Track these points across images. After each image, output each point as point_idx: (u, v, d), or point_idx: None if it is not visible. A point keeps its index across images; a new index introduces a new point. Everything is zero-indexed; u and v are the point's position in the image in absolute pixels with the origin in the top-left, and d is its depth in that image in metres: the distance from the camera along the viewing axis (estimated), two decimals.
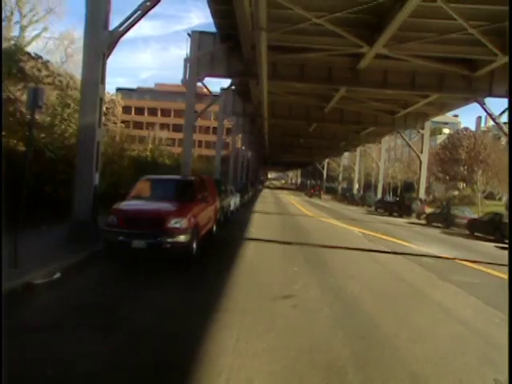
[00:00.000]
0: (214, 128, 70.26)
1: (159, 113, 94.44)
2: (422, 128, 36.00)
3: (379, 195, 49.82)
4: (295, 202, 47.24)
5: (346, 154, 73.04)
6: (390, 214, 34.97)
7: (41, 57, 11.30)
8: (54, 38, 39.12)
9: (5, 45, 12.45)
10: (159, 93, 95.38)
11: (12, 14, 32.39)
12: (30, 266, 7.22)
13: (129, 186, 12.68)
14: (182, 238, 8.57)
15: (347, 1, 14.50)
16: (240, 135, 47.19)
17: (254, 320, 5.56)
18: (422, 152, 35.92)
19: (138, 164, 21.55)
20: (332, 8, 14.80)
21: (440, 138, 74.73)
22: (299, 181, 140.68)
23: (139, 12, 10.18)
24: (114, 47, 10.38)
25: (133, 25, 10.24)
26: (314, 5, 14.73)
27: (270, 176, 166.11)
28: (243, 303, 6.32)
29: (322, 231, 18.43)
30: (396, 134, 44.46)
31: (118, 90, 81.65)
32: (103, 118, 11.32)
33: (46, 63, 11.19)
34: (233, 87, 27.38)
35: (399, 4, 13.44)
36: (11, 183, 11.03)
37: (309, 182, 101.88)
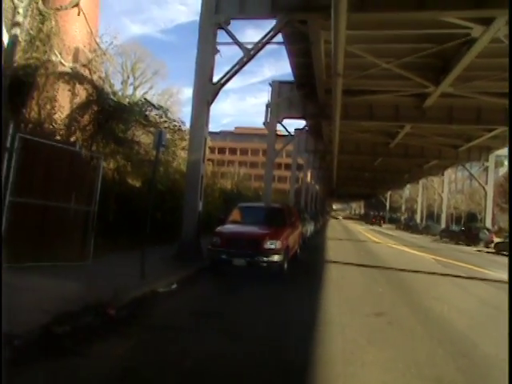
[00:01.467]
0: (285, 164, 70.89)
1: (238, 152, 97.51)
2: (486, 160, 33.81)
3: (442, 225, 46.96)
4: (361, 230, 45.89)
5: (408, 185, 70.20)
6: (457, 243, 32.74)
7: (162, 107, 12.31)
8: (157, 93, 42.44)
9: (124, 100, 13.73)
10: (238, 135, 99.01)
11: (128, 77, 36.09)
12: (153, 278, 7.68)
13: (221, 212, 13.16)
14: (276, 257, 8.71)
15: (413, 47, 14.35)
16: (310, 170, 47.21)
17: (355, 333, 5.40)
18: (486, 183, 33.68)
19: (225, 195, 22.31)
20: (399, 54, 14.70)
21: (502, 170, 69.46)
22: (362, 211, 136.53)
23: (236, 67, 10.79)
24: (215, 96, 11.03)
25: (231, 77, 10.86)
26: (383, 52, 14.71)
27: (334, 207, 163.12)
28: (339, 318, 6.17)
29: (394, 256, 17.65)
30: (457, 167, 42.09)
31: None
32: None
33: (165, 111, 12.12)
34: (306, 127, 27.69)
35: (466, 47, 13.05)
36: (132, 210, 11.99)
37: (372, 212, 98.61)
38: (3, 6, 11.58)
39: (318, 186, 62.05)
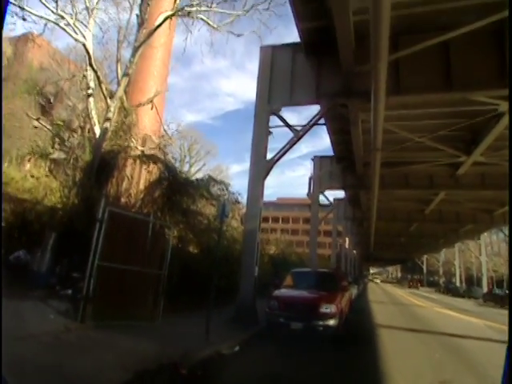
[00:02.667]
0: (324, 231, 69.80)
1: (280, 220, 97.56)
2: None
3: (483, 288, 43.19)
4: (402, 293, 42.99)
5: (444, 249, 66.36)
6: (502, 306, 29.68)
7: (223, 182, 12.84)
8: (209, 170, 44.55)
9: (183, 175, 14.41)
10: (280, 205, 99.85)
11: (185, 156, 38.57)
12: (216, 339, 7.48)
13: (271, 276, 12.90)
14: (331, 321, 8.29)
15: (444, 122, 14.42)
16: (348, 236, 46.08)
17: None
18: None
19: (273, 260, 22.02)
20: (431, 129, 14.78)
21: None
22: (399, 275, 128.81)
23: (287, 146, 11.24)
24: (269, 172, 11.40)
25: (282, 155, 11.27)
26: (416, 128, 14.86)
27: (371, 271, 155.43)
28: None
29: (441, 320, 16.20)
30: (491, 230, 39.56)
31: None
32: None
33: (227, 186, 12.59)
34: (345, 197, 27.59)
35: (494, 121, 12.97)
36: (191, 275, 12.08)
37: (409, 276, 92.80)
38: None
39: (355, 250, 60.06)
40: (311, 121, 11.21)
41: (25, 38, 26.70)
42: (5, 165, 23.85)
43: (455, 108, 12.96)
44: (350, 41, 9.62)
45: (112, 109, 11.95)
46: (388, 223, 35.53)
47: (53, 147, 28.81)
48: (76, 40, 11.61)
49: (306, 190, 21.79)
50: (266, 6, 12.20)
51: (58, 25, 10.96)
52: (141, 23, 12.23)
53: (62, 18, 10.90)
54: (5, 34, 25.95)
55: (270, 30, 12.48)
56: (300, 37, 11.05)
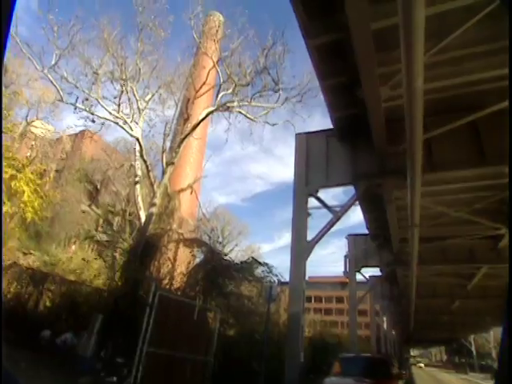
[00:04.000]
0: (358, 310, 65.42)
1: (313, 299, 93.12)
2: None
3: None
4: (455, 380, 38.16)
5: (494, 328, 60.08)
6: None
7: (267, 264, 12.71)
8: (242, 250, 44.49)
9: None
10: (312, 283, 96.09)
11: (218, 237, 39.20)
12: None
13: (311, 361, 11.90)
14: None
15: (480, 195, 14.13)
16: (386, 316, 42.98)
17: None
18: None
19: (312, 343, 20.59)
20: (469, 202, 14.46)
21: None
22: (444, 358, 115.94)
23: (327, 227, 11.19)
24: (310, 253, 11.21)
25: (322, 236, 11.18)
26: (452, 202, 14.58)
27: (412, 353, 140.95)
28: None
29: None
30: None
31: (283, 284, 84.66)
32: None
33: (270, 268, 12.41)
34: (382, 274, 26.35)
35: None
36: (232, 358, 11.38)
37: (457, 358, 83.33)
38: None
39: (394, 331, 55.49)
40: (349, 201, 11.30)
41: (81, 135, 29.55)
42: (53, 246, 24.71)
43: (490, 181, 12.76)
44: (382, 125, 10.04)
45: (158, 195, 12.58)
46: (428, 300, 33.10)
47: (96, 230, 29.97)
48: (132, 136, 12.78)
49: (337, 268, 21.28)
50: (298, 98, 13.18)
51: (117, 124, 12.22)
52: (186, 118, 13.38)
53: (122, 118, 12.19)
54: (67, 131, 28.94)
55: (304, 119, 13.44)
56: (333, 123, 11.66)
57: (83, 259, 17.37)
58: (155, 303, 7.51)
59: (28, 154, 27.00)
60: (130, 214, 27.80)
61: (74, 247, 27.56)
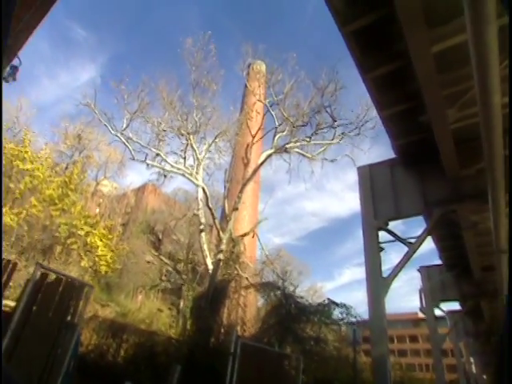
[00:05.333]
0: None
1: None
2: None
3: None
4: None
5: None
6: None
7: (345, 305, 12.09)
8: (303, 290, 43.10)
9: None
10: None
11: (289, 278, 38.55)
12: None
13: None
14: None
15: None
16: (472, 357, 38.36)
17: None
18: None
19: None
20: None
21: None
22: None
23: (403, 261, 10.51)
24: (388, 290, 10.50)
25: (399, 271, 10.49)
26: None
27: None
28: None
29: None
30: None
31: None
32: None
33: (349, 309, 11.80)
34: (463, 308, 23.93)
35: None
36: None
37: None
38: None
39: (486, 375, 49.22)
40: (423, 232, 10.61)
41: (143, 189, 31.46)
42: (122, 297, 25.63)
43: None
44: (452, 148, 9.55)
45: (224, 241, 12.74)
46: None
47: (160, 279, 30.80)
48: (197, 185, 13.35)
49: (407, 303, 19.54)
50: (357, 131, 13.11)
51: (184, 175, 12.91)
52: (246, 163, 13.75)
53: (187, 170, 12.87)
54: (131, 186, 31.05)
55: (364, 152, 13.33)
56: (395, 152, 11.32)
57: (159, 309, 17.80)
58: (237, 352, 7.33)
59: (97, 211, 29.06)
60: (191, 262, 28.40)
61: (140, 297, 28.42)
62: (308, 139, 13.40)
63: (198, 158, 14.93)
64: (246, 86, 26.56)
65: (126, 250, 22.53)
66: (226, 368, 7.40)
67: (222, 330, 13.38)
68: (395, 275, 10.54)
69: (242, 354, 7.53)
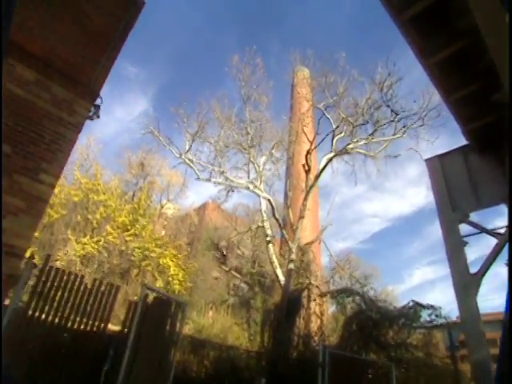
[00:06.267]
0: None
1: None
2: None
3: None
4: None
5: None
6: None
7: (432, 305, 11.27)
8: (374, 296, 41.21)
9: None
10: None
11: (367, 282, 37.22)
12: None
13: None
14: None
15: None
16: None
17: None
18: None
19: None
20: None
21: None
22: None
23: (492, 254, 9.63)
24: (478, 287, 9.63)
25: (490, 265, 9.62)
26: None
27: None
28: None
29: None
30: None
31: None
32: None
33: (438, 309, 10.92)
34: None
35: None
36: None
37: None
38: None
39: None
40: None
41: (203, 207, 32.49)
42: (194, 314, 26.35)
43: None
44: None
45: (294, 250, 12.61)
46: None
47: (228, 294, 31.26)
48: (262, 197, 13.48)
49: (483, 303, 17.57)
50: (420, 122, 12.41)
51: (248, 189, 13.14)
52: (307, 170, 13.61)
53: (251, 183, 13.11)
54: (193, 206, 32.27)
55: (431, 142, 12.44)
56: (466, 137, 10.56)
57: (235, 323, 18.06)
58: (326, 362, 7.11)
59: (162, 233, 30.45)
60: (257, 274, 28.52)
61: (211, 313, 29.02)
62: (369, 137, 12.95)
63: (258, 171, 15.06)
64: (291, 93, 26.57)
65: (195, 267, 23.27)
66: (315, 379, 7.20)
67: (300, 341, 13.15)
68: (485, 271, 9.68)
69: (330, 364, 7.29)
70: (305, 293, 14.11)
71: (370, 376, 7.78)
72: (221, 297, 29.55)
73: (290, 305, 13.12)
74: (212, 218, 31.94)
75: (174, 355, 5.23)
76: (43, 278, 4.98)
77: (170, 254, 19.96)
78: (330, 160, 13.15)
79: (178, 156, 13.99)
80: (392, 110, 12.12)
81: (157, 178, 26.17)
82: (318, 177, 13.26)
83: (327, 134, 13.62)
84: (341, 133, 13.54)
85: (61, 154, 4.37)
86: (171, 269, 19.46)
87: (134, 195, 23.59)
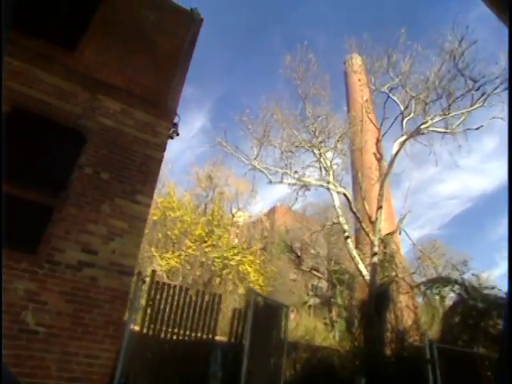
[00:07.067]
0: None
1: None
2: None
3: None
4: None
5: None
6: None
7: None
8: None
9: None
10: None
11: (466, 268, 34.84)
12: None
13: None
14: None
15: None
16: None
17: None
18: None
19: None
20: None
21: None
22: None
23: None
24: None
25: None
26: None
27: None
28: None
29: None
30: None
31: None
32: None
33: None
34: None
35: None
36: None
37: None
38: None
39: None
40: None
41: (273, 211, 32.71)
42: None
43: None
44: None
45: (376, 242, 12.05)
46: None
47: (308, 295, 30.91)
48: (337, 193, 13.20)
49: None
50: (503, 86, 11.15)
51: (322, 186, 12.99)
52: (379, 158, 13.00)
53: (325, 180, 12.93)
54: (263, 211, 32.70)
55: None
56: None
57: (324, 323, 17.85)
58: (435, 358, 6.61)
59: (235, 241, 31.17)
60: (335, 272, 27.87)
61: (293, 315, 28.85)
62: (445, 113, 11.94)
63: (328, 166, 14.73)
64: (346, 82, 25.71)
65: (273, 271, 23.43)
66: (420, 378, 6.73)
67: (394, 337, 12.48)
68: None
69: (440, 360, 6.77)
70: (392, 286, 13.40)
71: (490, 373, 7.04)
72: (301, 298, 29.35)
73: (378, 300, 12.54)
74: (283, 221, 32.03)
75: (283, 359, 5.22)
76: (152, 293, 5.34)
77: (248, 260, 20.34)
78: (403, 143, 12.36)
79: (247, 163, 14.25)
80: (470, 78, 11.01)
81: (225, 188, 26.98)
82: (392, 163, 12.55)
83: (396, 118, 12.89)
84: (410, 114, 12.69)
85: (151, 175, 4.66)
86: (251, 275, 19.78)
87: (205, 207, 24.52)
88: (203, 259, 19.36)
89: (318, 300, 30.25)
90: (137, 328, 5.31)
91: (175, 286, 5.79)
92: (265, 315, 5.37)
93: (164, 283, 5.79)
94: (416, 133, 12.33)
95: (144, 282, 5.21)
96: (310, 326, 20.34)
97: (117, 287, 4.18)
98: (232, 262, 19.39)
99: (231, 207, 27.72)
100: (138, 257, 4.58)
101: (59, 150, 4.43)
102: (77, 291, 4.06)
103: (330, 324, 23.21)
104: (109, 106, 4.74)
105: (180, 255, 19.23)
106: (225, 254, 19.31)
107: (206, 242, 20.12)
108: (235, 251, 20.38)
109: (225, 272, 19.47)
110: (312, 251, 31.01)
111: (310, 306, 30.47)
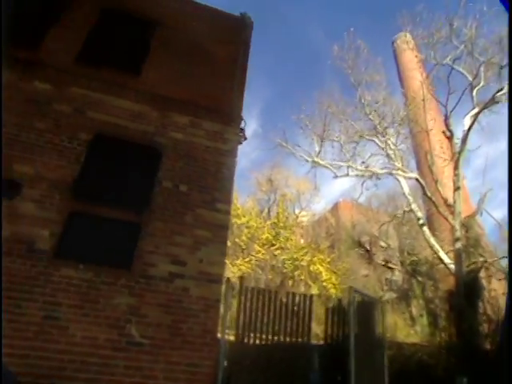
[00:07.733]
0: None
1: None
2: None
3: None
4: None
5: None
6: None
7: None
8: None
9: None
10: None
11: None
12: None
13: None
14: None
15: None
16: None
17: None
18: None
19: None
20: None
21: None
22: None
23: None
24: None
25: None
26: None
27: None
28: None
29: None
30: None
31: None
32: None
33: None
34: None
35: None
36: None
37: None
38: None
39: None
40: None
41: (336, 207, 31.91)
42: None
43: None
44: None
45: (457, 227, 11.09)
46: None
47: (382, 290, 29.50)
48: (409, 178, 12.51)
49: None
50: None
51: (391, 174, 12.40)
52: (449, 137, 12.06)
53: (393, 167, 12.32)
54: (326, 208, 32.06)
55: None
56: None
57: (406, 317, 16.92)
58: None
59: (301, 242, 30.79)
60: (410, 263, 26.35)
61: None
62: None
63: (394, 152, 13.93)
64: (396, 62, 24.35)
65: (345, 268, 22.76)
66: None
67: (492, 329, 11.38)
68: None
69: None
70: (481, 273, 12.28)
71: None
72: (375, 294, 28.10)
73: (467, 289, 11.52)
74: (348, 216, 31.09)
75: (385, 356, 4.94)
76: (242, 299, 5.36)
77: (318, 259, 19.95)
78: (476, 116, 11.24)
79: (309, 160, 13.98)
80: None
81: (286, 189, 26.85)
82: (465, 140, 11.47)
83: (464, 90, 11.74)
84: (479, 83, 11.48)
85: (227, 182, 4.69)
86: (323, 274, 19.37)
87: (269, 211, 24.55)
88: (273, 262, 19.34)
89: (393, 294, 28.83)
90: (231, 335, 5.35)
91: (264, 290, 5.75)
92: (363, 312, 5.11)
93: (253, 288, 5.78)
94: (491, 102, 11.12)
95: (233, 288, 5.23)
96: (390, 322, 19.36)
97: (208, 296, 4.22)
98: (303, 263, 19.12)
99: (294, 208, 27.51)
100: (224, 264, 4.61)
101: (138, 169, 4.62)
102: (171, 303, 4.16)
103: (410, 318, 21.87)
104: (178, 121, 4.86)
105: (250, 260, 19.41)
106: (294, 256, 19.12)
107: (274, 245, 20.11)
108: (305, 251, 20.10)
109: (296, 273, 19.26)
110: (382, 244, 29.68)
111: (386, 302, 29.05)
